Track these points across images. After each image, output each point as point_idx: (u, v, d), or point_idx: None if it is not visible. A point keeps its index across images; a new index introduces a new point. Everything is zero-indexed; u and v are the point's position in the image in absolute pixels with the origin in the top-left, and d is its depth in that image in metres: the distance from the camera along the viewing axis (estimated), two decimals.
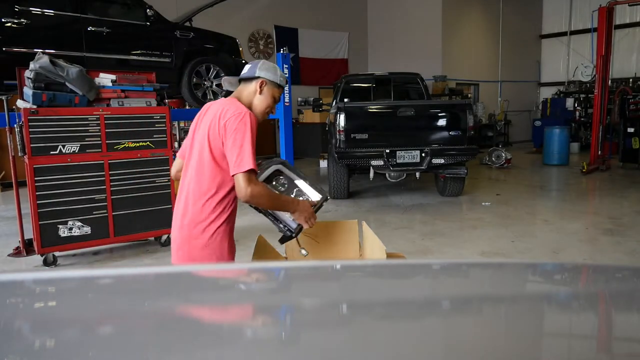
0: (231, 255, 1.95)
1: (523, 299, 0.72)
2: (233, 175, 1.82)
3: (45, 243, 4.10)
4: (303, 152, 11.95)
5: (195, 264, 1.86)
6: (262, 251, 2.19)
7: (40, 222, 4.04)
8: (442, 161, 6.33)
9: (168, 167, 4.58)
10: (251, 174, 1.80)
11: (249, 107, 1.98)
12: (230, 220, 1.95)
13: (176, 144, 7.88)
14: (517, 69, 16.18)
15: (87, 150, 4.18)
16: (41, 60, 3.97)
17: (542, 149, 11.26)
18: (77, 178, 4.16)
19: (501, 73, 15.79)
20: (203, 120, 1.95)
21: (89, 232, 4.24)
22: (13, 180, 4.49)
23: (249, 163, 1.78)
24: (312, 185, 2.14)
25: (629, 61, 14.78)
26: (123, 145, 4.34)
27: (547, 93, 16.14)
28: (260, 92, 2.00)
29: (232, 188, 1.89)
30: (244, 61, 6.63)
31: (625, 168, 9.88)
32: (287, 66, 6.87)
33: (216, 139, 1.86)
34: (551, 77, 16.80)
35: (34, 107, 3.95)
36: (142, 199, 4.45)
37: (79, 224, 4.20)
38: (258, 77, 2.00)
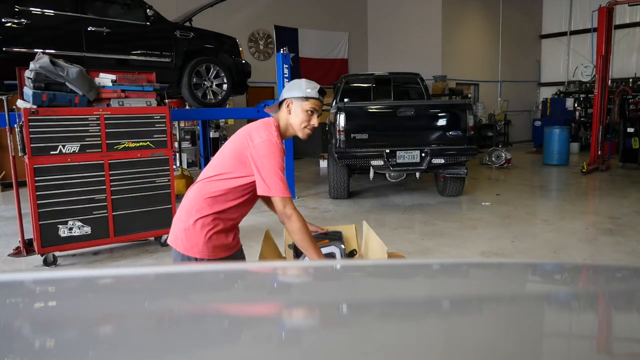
0: (209, 248, 1.97)
1: (523, 299, 0.72)
2: (263, 196, 1.97)
3: (45, 243, 4.10)
4: (303, 152, 11.95)
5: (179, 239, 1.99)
6: (269, 245, 2.20)
7: (40, 222, 4.04)
8: (442, 161, 6.33)
9: (168, 167, 4.59)
10: (289, 199, 1.94)
11: (286, 128, 2.08)
12: (219, 218, 1.99)
13: (176, 144, 7.90)
14: (517, 69, 16.19)
15: (87, 150, 4.18)
16: (41, 60, 3.97)
17: (542, 149, 11.26)
18: (77, 178, 4.16)
19: (501, 73, 15.79)
20: (240, 131, 2.09)
21: (89, 232, 4.24)
22: (13, 180, 4.49)
23: (284, 191, 1.92)
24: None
25: (629, 61, 14.78)
26: (123, 145, 4.34)
27: (547, 93, 16.14)
28: (290, 112, 2.06)
29: (231, 193, 1.98)
30: (244, 61, 6.64)
31: (625, 168, 9.88)
32: (287, 66, 6.88)
33: (239, 151, 1.97)
34: (551, 77, 16.81)
35: (34, 107, 3.95)
36: (142, 199, 4.45)
37: (79, 224, 4.20)
38: (285, 99, 2.08)
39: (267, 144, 1.94)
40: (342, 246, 2.21)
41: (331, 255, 2.15)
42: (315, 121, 2.08)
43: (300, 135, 2.09)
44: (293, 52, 11.71)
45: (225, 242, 2.03)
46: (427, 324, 0.60)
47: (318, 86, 2.09)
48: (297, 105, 2.05)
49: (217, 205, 1.97)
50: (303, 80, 2.11)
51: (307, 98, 2.04)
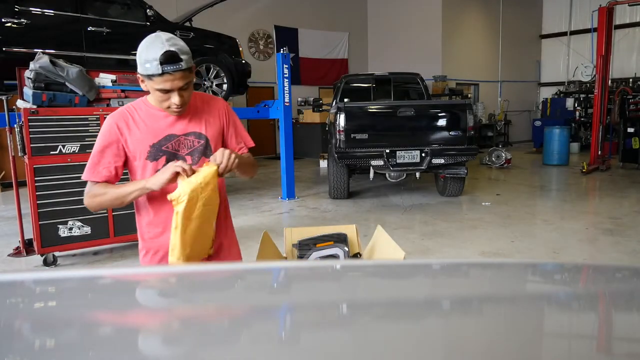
0: None
1: (523, 299, 0.72)
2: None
3: (45, 243, 4.10)
4: (303, 152, 11.95)
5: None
6: (267, 247, 2.20)
7: (40, 222, 4.04)
8: (442, 161, 6.33)
9: None
10: (88, 183, 1.71)
11: None
12: (148, 237, 1.72)
13: None
14: (517, 69, 16.19)
15: (87, 150, 4.17)
16: (41, 60, 3.97)
17: (542, 149, 11.27)
18: (77, 178, 4.13)
19: (501, 73, 15.79)
20: None
21: (89, 232, 4.24)
22: (13, 180, 4.49)
23: (84, 173, 1.70)
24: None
25: (629, 61, 14.79)
26: None
27: (547, 93, 16.15)
28: (146, 88, 1.58)
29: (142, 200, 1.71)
30: (244, 61, 6.64)
31: (625, 168, 9.88)
32: (287, 66, 6.88)
33: None
34: (551, 77, 16.81)
35: (34, 107, 3.96)
36: None
37: (79, 224, 4.20)
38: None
39: None
40: (346, 248, 2.22)
41: (334, 257, 2.16)
42: (176, 99, 1.54)
43: (170, 113, 1.63)
44: (293, 52, 11.73)
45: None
46: (427, 324, 0.60)
47: (164, 50, 1.46)
48: (147, 82, 1.54)
49: (141, 218, 1.75)
50: (145, 42, 1.51)
51: (150, 76, 1.50)
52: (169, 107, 1.59)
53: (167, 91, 1.53)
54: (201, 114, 1.73)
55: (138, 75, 1.55)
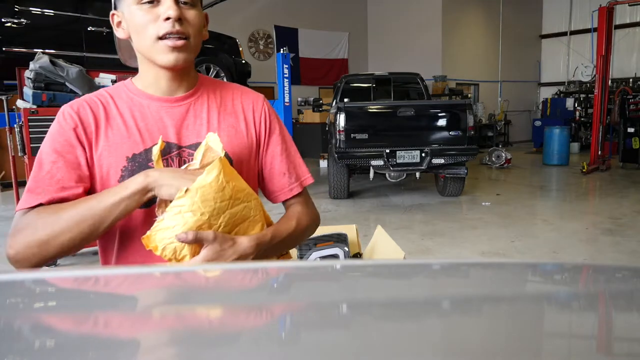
0: None
1: (523, 299, 0.72)
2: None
3: None
4: (303, 152, 11.89)
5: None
6: None
7: None
8: (442, 161, 6.34)
9: None
10: (17, 215, 0.99)
11: (147, 67, 1.03)
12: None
13: None
14: (517, 69, 16.20)
15: None
16: (41, 60, 3.98)
17: (542, 149, 11.27)
18: None
19: (501, 73, 15.80)
20: None
21: None
22: (13, 180, 4.50)
23: (22, 199, 0.98)
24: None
25: (629, 61, 14.79)
26: None
27: (547, 93, 16.15)
28: (128, 34, 0.98)
29: None
30: (243, 61, 6.64)
31: (625, 168, 9.88)
32: (287, 66, 6.89)
33: None
34: (551, 77, 16.82)
35: (34, 107, 3.96)
36: None
37: None
38: (112, 15, 1.01)
39: None
40: (346, 248, 2.22)
41: (335, 257, 2.16)
42: (171, 10, 0.91)
43: (161, 59, 0.96)
44: (293, 52, 11.72)
45: None
46: (427, 324, 0.60)
47: None
48: (126, 10, 0.96)
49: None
50: None
51: None
52: (159, 39, 0.93)
53: (151, 1, 0.91)
54: (222, 113, 1.07)
55: (113, 12, 0.99)
